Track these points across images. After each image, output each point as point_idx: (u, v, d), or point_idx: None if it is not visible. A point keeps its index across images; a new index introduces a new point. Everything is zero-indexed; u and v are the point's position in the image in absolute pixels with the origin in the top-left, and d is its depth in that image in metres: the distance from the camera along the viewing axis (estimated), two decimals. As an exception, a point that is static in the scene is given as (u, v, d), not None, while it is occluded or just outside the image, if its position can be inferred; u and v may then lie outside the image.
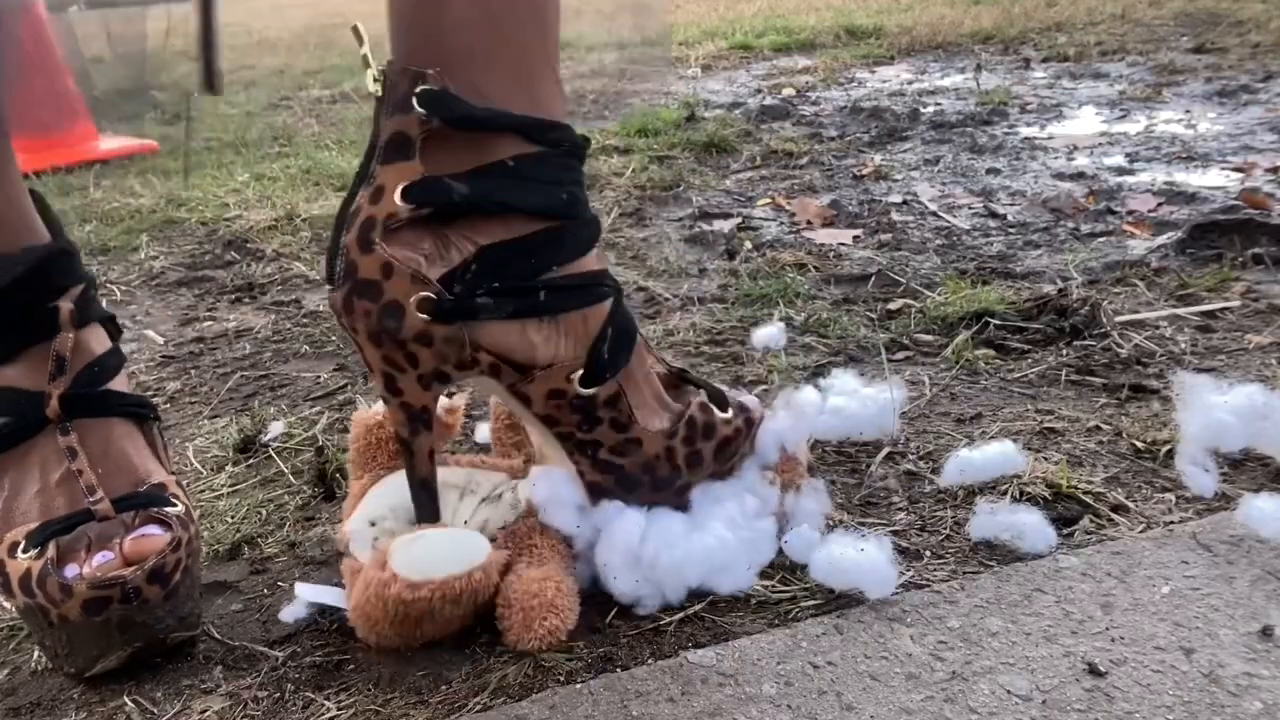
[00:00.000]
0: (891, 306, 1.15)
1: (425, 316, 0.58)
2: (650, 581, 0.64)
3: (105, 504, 0.64)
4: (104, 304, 1.37)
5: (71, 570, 0.61)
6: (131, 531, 0.63)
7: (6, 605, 0.70)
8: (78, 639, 0.61)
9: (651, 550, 0.64)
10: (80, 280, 0.71)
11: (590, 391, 0.63)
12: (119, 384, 0.72)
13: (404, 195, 0.57)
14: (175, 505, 0.67)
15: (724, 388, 0.72)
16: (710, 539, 0.65)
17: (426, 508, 0.65)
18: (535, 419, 0.65)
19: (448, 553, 0.59)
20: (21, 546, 0.62)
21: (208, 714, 0.59)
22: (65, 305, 0.69)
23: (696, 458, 0.67)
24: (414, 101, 0.57)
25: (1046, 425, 0.84)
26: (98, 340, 0.72)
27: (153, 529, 0.64)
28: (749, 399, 0.73)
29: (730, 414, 0.69)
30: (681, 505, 0.68)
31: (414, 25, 0.59)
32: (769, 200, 1.66)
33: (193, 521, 0.68)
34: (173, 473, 0.72)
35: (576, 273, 0.62)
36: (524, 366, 0.62)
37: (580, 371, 0.63)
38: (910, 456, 0.81)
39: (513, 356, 0.62)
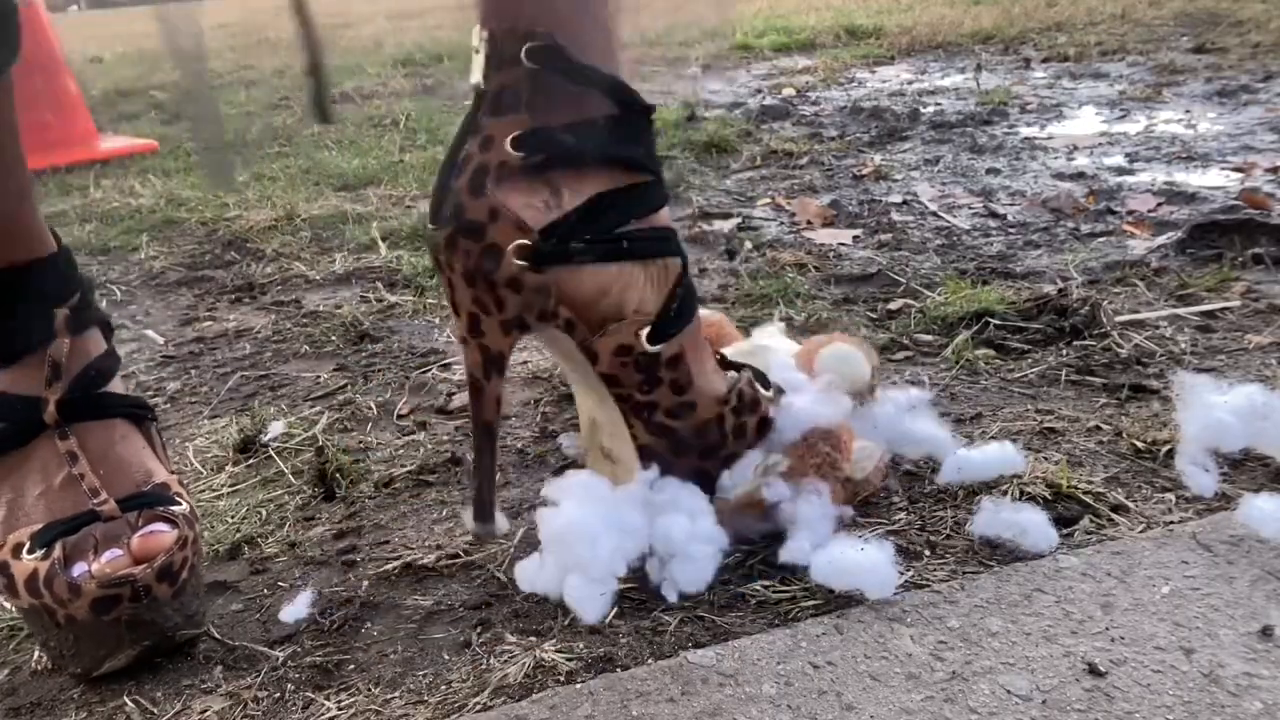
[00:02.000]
0: (891, 306, 1.15)
1: (521, 263, 0.62)
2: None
3: (110, 504, 0.64)
4: (103, 304, 1.37)
5: (79, 570, 0.61)
6: (138, 530, 0.64)
7: (8, 607, 0.70)
8: (85, 639, 0.61)
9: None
10: (78, 286, 0.72)
11: (656, 349, 0.66)
12: (115, 386, 0.72)
13: (514, 144, 0.61)
14: (180, 504, 0.67)
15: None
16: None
17: (486, 452, 0.68)
18: (598, 379, 0.67)
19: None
20: (27, 548, 0.62)
21: (208, 714, 0.59)
22: (62, 312, 0.69)
23: (742, 430, 0.70)
24: (523, 56, 0.60)
25: (1046, 425, 0.84)
26: (94, 345, 0.72)
27: (160, 527, 0.64)
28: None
29: (771, 393, 0.72)
30: (710, 480, 0.70)
31: None
32: (769, 200, 1.66)
33: (196, 520, 0.68)
34: (173, 472, 0.72)
35: (657, 225, 0.67)
36: (600, 321, 0.65)
37: (649, 329, 0.65)
38: (910, 457, 0.81)
39: (594, 308, 0.65)
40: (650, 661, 0.60)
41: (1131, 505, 0.72)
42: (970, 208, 1.54)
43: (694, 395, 0.68)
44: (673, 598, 0.65)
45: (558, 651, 0.61)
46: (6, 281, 0.68)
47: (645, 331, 0.65)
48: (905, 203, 1.59)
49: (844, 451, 0.73)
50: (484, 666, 0.61)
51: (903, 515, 0.73)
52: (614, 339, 0.65)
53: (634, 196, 0.65)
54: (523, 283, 0.63)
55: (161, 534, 0.63)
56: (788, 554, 0.67)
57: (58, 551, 0.61)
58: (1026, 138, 1.97)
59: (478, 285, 0.63)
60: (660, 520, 0.67)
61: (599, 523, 0.65)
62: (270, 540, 0.77)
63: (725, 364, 0.74)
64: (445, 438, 0.91)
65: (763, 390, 0.72)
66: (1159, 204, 1.46)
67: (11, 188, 0.69)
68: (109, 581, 0.59)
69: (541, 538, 0.67)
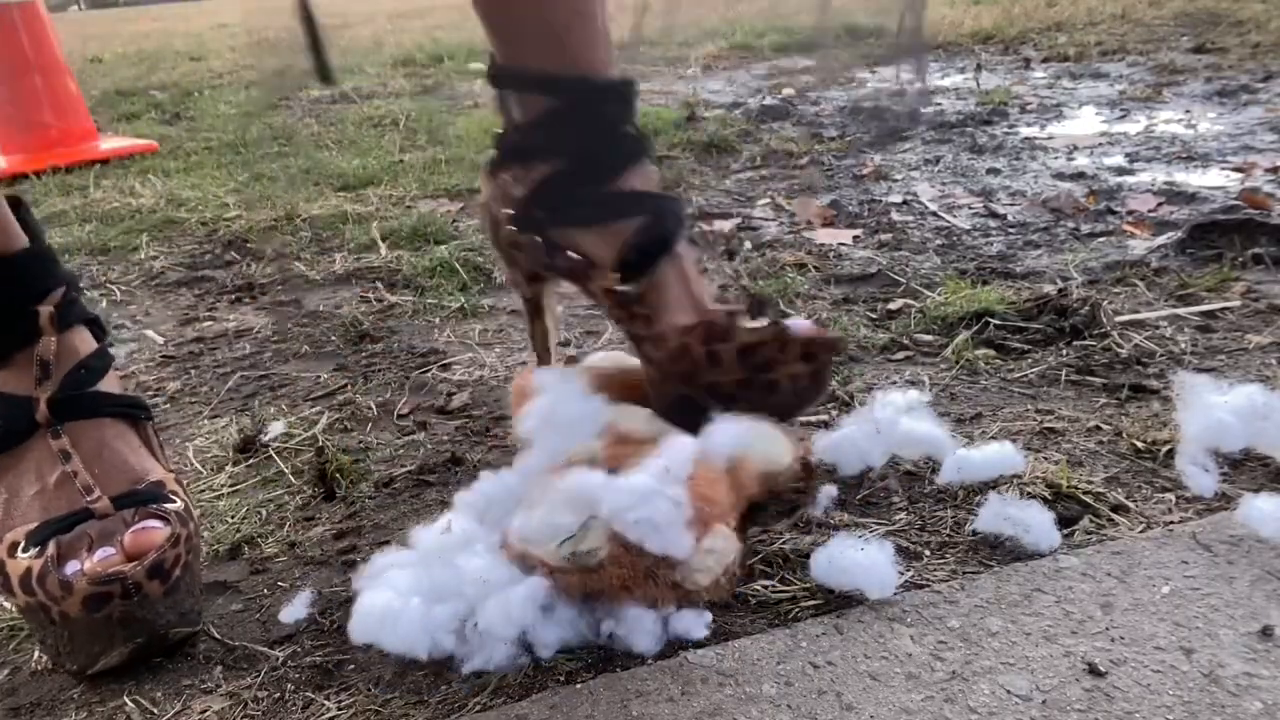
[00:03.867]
0: (891, 306, 1.15)
1: (512, 228, 0.80)
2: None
3: (104, 502, 0.64)
4: (103, 304, 1.37)
5: (72, 567, 0.61)
6: (131, 527, 0.64)
7: (7, 605, 0.70)
8: (79, 636, 0.61)
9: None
10: (61, 282, 0.71)
11: (626, 288, 0.76)
12: (109, 384, 0.72)
13: (493, 142, 0.80)
14: (174, 501, 0.67)
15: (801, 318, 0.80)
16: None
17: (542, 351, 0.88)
18: (609, 316, 0.81)
19: None
20: (21, 546, 0.62)
21: (208, 714, 0.59)
22: (45, 310, 0.69)
23: (714, 357, 0.73)
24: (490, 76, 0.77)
25: (1046, 425, 0.84)
26: (83, 342, 0.72)
27: (152, 524, 0.64)
28: (803, 323, 0.77)
29: (761, 323, 0.75)
30: (702, 415, 0.72)
31: (483, 16, 0.77)
32: (769, 200, 1.66)
33: (192, 518, 0.68)
34: (171, 470, 0.72)
35: (610, 191, 0.76)
36: (584, 271, 0.77)
37: (619, 273, 0.76)
38: (910, 457, 0.81)
39: (575, 261, 0.77)
40: (650, 661, 0.60)
41: (1131, 505, 0.72)
42: (970, 208, 1.54)
43: (661, 328, 0.75)
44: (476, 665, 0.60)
45: (558, 651, 0.61)
46: None
47: (617, 275, 0.76)
48: (905, 203, 1.59)
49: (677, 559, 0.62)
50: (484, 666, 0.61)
51: (903, 515, 0.73)
52: (600, 282, 0.77)
53: (578, 174, 0.75)
54: (520, 242, 0.80)
55: (154, 530, 0.63)
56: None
57: (51, 549, 0.61)
58: (1026, 138, 1.97)
59: (501, 245, 0.83)
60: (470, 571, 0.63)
61: (399, 604, 0.62)
62: (270, 540, 0.77)
63: (763, 306, 0.80)
64: (445, 438, 0.91)
65: (748, 320, 0.75)
66: (1159, 204, 1.46)
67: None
68: (100, 579, 0.59)
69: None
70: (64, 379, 0.69)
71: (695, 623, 0.62)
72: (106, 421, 0.70)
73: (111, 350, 0.76)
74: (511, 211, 0.79)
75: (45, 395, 0.68)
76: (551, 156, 0.76)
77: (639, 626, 0.61)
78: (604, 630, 0.61)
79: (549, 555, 0.61)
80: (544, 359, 0.88)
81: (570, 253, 0.78)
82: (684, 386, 0.75)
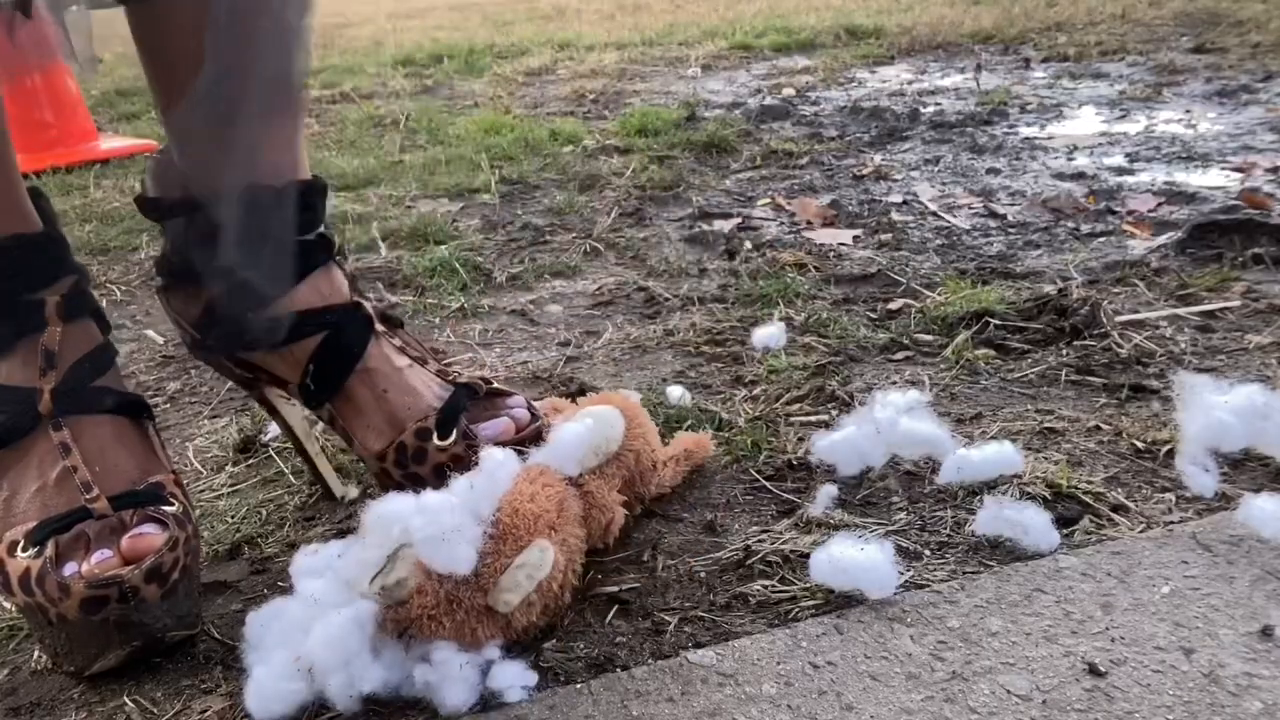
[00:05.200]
0: (891, 306, 1.15)
1: (198, 350, 0.78)
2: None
3: (102, 502, 0.64)
4: (103, 304, 1.37)
5: (70, 568, 0.61)
6: (129, 530, 0.63)
7: (7, 605, 0.70)
8: (77, 638, 0.61)
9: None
10: (71, 272, 0.71)
11: (318, 412, 0.75)
12: (111, 380, 0.72)
13: (155, 265, 0.80)
14: (172, 504, 0.67)
15: (509, 401, 0.76)
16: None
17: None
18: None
19: None
20: (21, 545, 0.62)
21: (208, 714, 0.59)
22: (52, 298, 0.69)
23: (414, 479, 0.71)
24: None
25: (1046, 425, 0.84)
26: (88, 335, 0.71)
27: (150, 528, 0.64)
28: (498, 424, 0.73)
29: (449, 441, 0.71)
30: None
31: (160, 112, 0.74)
32: (769, 200, 1.66)
33: (190, 520, 0.67)
34: (172, 470, 0.72)
35: (279, 315, 0.72)
36: (285, 383, 0.75)
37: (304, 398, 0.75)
38: (910, 457, 0.81)
39: (272, 375, 0.76)
40: (650, 661, 0.60)
41: (1131, 505, 0.72)
42: (970, 208, 1.54)
43: (358, 449, 0.74)
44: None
45: (558, 651, 0.61)
46: None
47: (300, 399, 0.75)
48: (905, 203, 1.59)
49: (477, 586, 0.59)
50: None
51: (903, 515, 0.73)
52: (298, 399, 0.76)
53: (246, 296, 0.71)
54: (208, 360, 0.79)
55: (151, 535, 0.63)
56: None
57: (50, 550, 0.61)
58: (1026, 138, 1.97)
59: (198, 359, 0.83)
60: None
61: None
62: (270, 540, 0.77)
63: (494, 394, 0.76)
64: (445, 438, 0.91)
65: (436, 440, 0.70)
66: (1159, 204, 1.46)
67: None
68: (97, 582, 0.59)
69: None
70: (68, 372, 0.68)
71: (518, 675, 0.58)
72: (108, 418, 0.69)
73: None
74: (193, 334, 0.76)
75: (49, 386, 0.67)
76: (217, 278, 0.71)
77: (450, 673, 0.57)
78: (419, 678, 0.57)
79: (365, 593, 0.58)
80: (315, 470, 0.81)
81: (262, 370, 0.75)
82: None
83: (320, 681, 0.57)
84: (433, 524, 0.58)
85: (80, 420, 0.68)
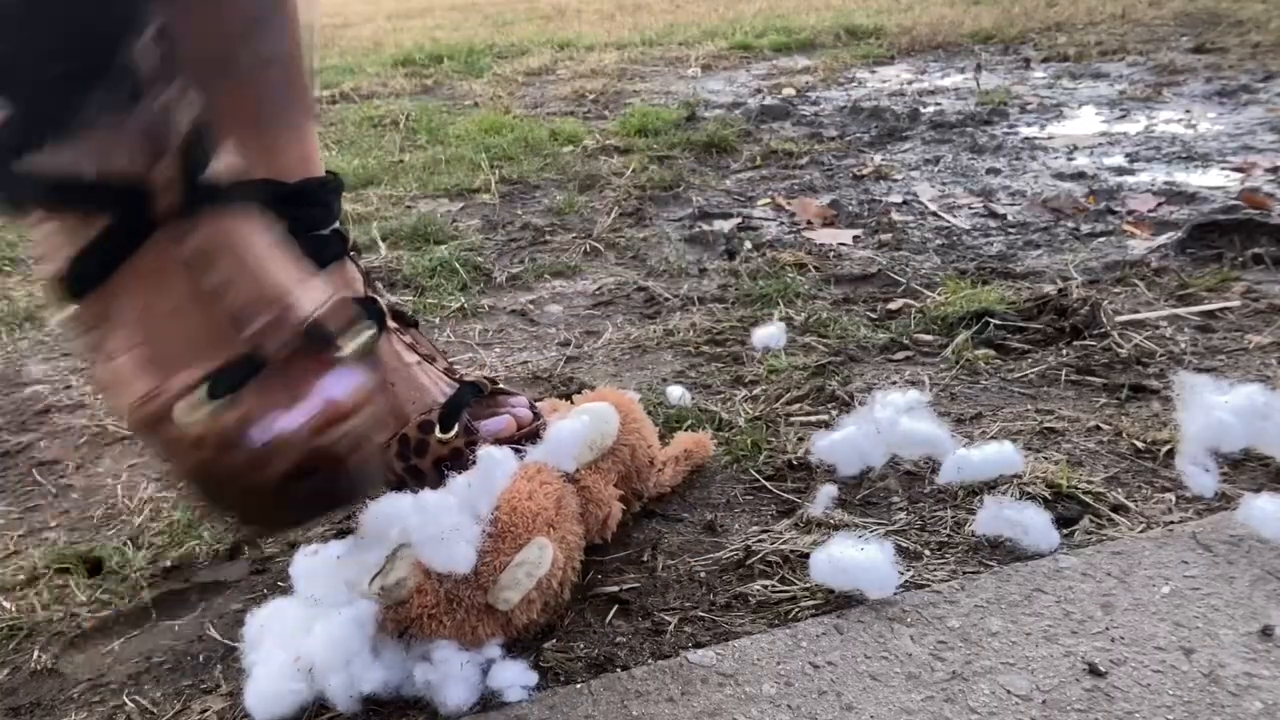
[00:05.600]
0: (891, 306, 1.15)
1: None
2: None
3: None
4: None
5: (268, 424, 0.52)
6: (325, 377, 0.54)
7: (8, 606, 0.70)
8: (267, 500, 0.54)
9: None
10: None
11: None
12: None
13: None
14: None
15: (512, 401, 0.75)
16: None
17: None
18: None
19: None
20: (200, 395, 0.51)
21: (208, 714, 0.59)
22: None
23: (414, 471, 0.71)
24: None
25: (1046, 425, 0.84)
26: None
27: (347, 377, 0.55)
28: (499, 421, 0.73)
29: (451, 435, 0.71)
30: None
31: None
32: (769, 200, 1.66)
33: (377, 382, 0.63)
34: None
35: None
36: None
37: None
38: (910, 457, 0.81)
39: None
40: (650, 661, 0.60)
41: (1131, 505, 0.72)
42: (970, 208, 1.54)
43: None
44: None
45: (558, 651, 0.61)
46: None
47: None
48: (905, 203, 1.59)
49: (478, 581, 0.60)
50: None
51: (903, 515, 0.73)
52: None
53: None
54: None
55: (353, 385, 0.54)
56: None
57: (235, 403, 0.51)
58: (1026, 138, 1.97)
59: None
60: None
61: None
62: (270, 540, 0.77)
63: (497, 392, 0.76)
64: (445, 438, 0.91)
65: (438, 433, 0.70)
66: (1159, 204, 1.46)
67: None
68: (294, 437, 0.51)
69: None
70: (184, 151, 0.53)
71: (518, 675, 0.58)
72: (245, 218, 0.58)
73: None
74: None
75: (168, 175, 0.52)
76: None
77: (451, 672, 0.57)
78: (419, 678, 0.57)
79: (365, 593, 0.58)
80: None
81: None
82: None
83: (320, 681, 0.57)
84: (431, 523, 0.58)
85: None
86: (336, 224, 0.75)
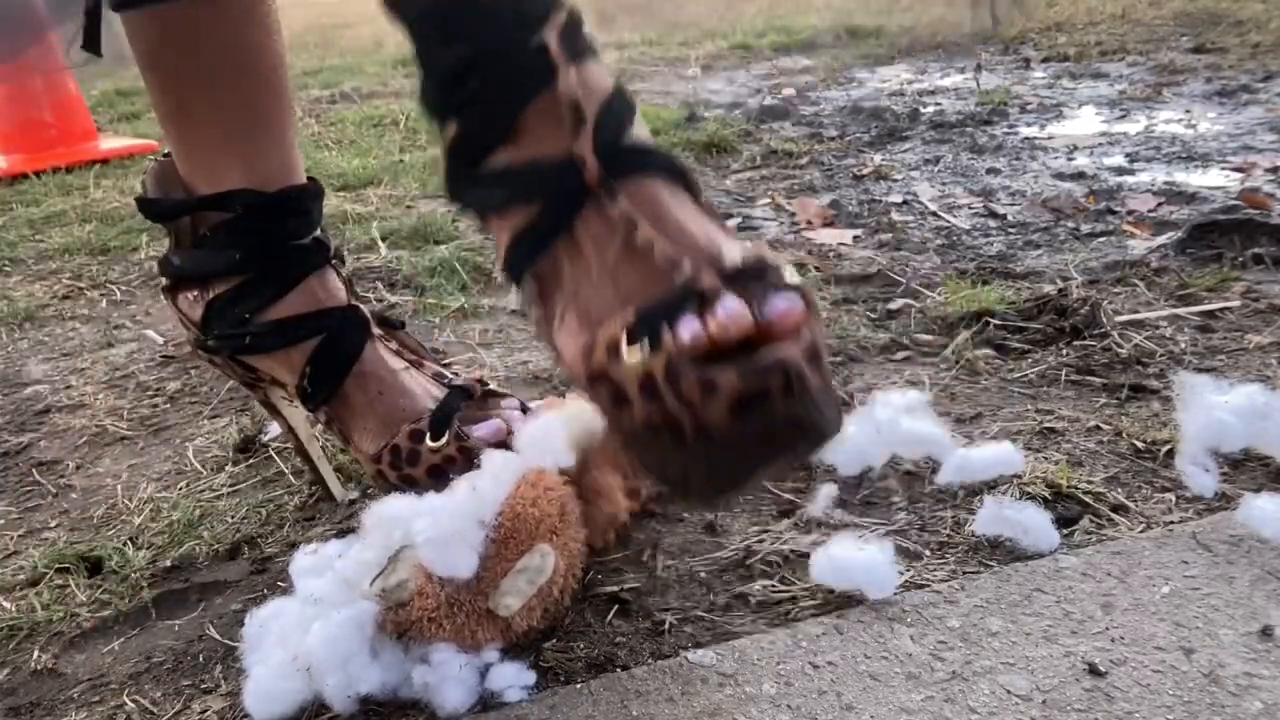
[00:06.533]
0: (891, 306, 1.15)
1: (200, 351, 0.77)
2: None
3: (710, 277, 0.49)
4: (103, 304, 1.37)
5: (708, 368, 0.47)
6: (762, 301, 0.48)
7: (8, 606, 0.70)
8: (726, 438, 0.47)
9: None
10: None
11: (317, 415, 0.75)
12: (641, 132, 0.58)
13: (158, 266, 0.77)
14: (789, 273, 0.52)
15: (503, 403, 0.75)
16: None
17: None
18: None
19: None
20: (625, 340, 0.48)
21: (207, 714, 0.59)
22: (551, 35, 0.51)
23: (409, 480, 0.71)
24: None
25: (1046, 425, 0.84)
26: (602, 76, 0.55)
27: (785, 296, 0.49)
28: (490, 425, 0.73)
29: (441, 442, 0.70)
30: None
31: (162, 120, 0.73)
32: (769, 200, 1.66)
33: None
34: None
35: (278, 318, 0.72)
36: (284, 386, 0.76)
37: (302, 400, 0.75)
38: (910, 457, 0.81)
39: (272, 382, 0.76)
40: (650, 661, 0.60)
41: (1131, 505, 0.72)
42: (970, 208, 1.54)
43: (354, 454, 0.75)
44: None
45: (557, 651, 0.61)
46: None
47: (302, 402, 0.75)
48: (905, 203, 1.59)
49: (479, 587, 0.59)
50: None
51: (903, 515, 0.73)
52: (298, 402, 0.75)
53: (241, 297, 0.72)
54: (215, 361, 0.77)
55: (792, 303, 0.48)
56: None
57: (670, 340, 0.47)
58: (1026, 138, 1.97)
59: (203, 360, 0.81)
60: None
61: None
62: (270, 540, 0.77)
63: (490, 394, 0.76)
64: (445, 438, 0.91)
65: (429, 441, 0.70)
66: (1159, 204, 1.46)
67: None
68: (753, 370, 0.46)
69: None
70: (598, 123, 0.51)
71: (517, 675, 0.58)
72: (660, 180, 0.53)
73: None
74: (196, 334, 0.76)
75: (588, 149, 0.50)
76: (217, 279, 0.73)
77: (449, 674, 0.57)
78: (417, 680, 0.57)
79: (366, 594, 0.58)
80: (316, 472, 0.82)
81: (263, 371, 0.76)
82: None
83: (318, 681, 0.57)
84: (434, 527, 0.58)
85: (632, 183, 0.53)
86: (317, 232, 0.75)
